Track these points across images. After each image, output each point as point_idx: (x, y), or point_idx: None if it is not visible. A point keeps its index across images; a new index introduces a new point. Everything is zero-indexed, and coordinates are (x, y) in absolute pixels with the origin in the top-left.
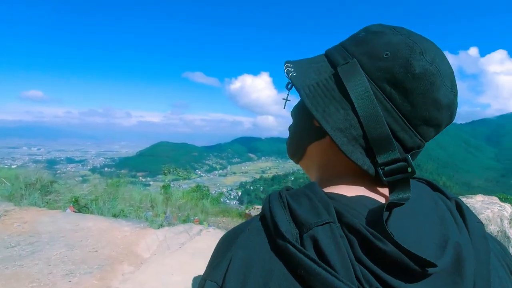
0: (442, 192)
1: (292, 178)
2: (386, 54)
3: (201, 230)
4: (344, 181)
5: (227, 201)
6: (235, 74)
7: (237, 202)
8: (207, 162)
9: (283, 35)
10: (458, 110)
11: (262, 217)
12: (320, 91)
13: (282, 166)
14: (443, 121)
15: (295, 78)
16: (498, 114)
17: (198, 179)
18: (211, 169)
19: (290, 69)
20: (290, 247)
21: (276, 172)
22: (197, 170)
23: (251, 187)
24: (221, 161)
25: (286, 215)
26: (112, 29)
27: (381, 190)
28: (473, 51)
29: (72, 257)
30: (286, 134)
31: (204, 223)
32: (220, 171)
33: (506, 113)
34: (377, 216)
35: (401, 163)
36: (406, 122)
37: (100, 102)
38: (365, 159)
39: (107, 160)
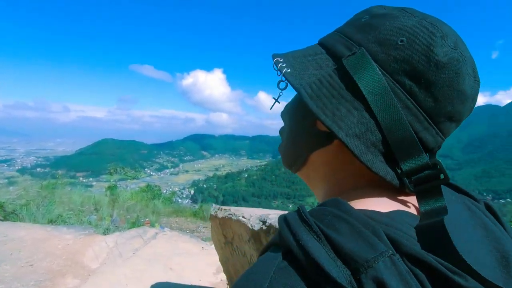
0: (468, 194)
1: (246, 175)
2: (402, 41)
3: (156, 233)
4: (364, 194)
5: (180, 200)
6: (188, 69)
7: (190, 201)
8: (157, 160)
9: (238, 31)
10: None
11: (286, 253)
12: (325, 90)
13: (235, 163)
14: (465, 114)
15: (291, 75)
16: None
17: (148, 178)
18: (162, 168)
19: (282, 64)
20: None
21: (229, 170)
22: (146, 169)
23: (205, 185)
24: (172, 159)
25: (327, 251)
26: (46, 6)
27: (406, 198)
28: None
29: (1, 275)
30: (239, 131)
31: (156, 224)
32: (172, 169)
33: None
34: (438, 239)
35: (431, 171)
36: (429, 120)
37: (31, 94)
38: (387, 168)
39: (39, 159)
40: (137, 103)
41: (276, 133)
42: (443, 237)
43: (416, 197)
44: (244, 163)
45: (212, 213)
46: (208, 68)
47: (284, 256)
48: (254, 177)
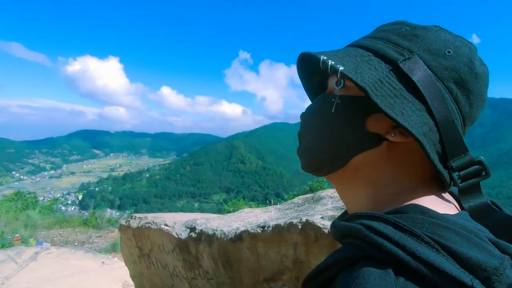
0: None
1: (147, 175)
2: (449, 52)
3: (37, 252)
4: (419, 194)
5: (63, 208)
6: (74, 53)
7: (78, 207)
8: (31, 161)
9: (136, 15)
10: (290, 112)
11: (397, 268)
12: (387, 89)
13: (135, 163)
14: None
15: (349, 72)
16: None
17: (17, 183)
18: (37, 170)
19: (331, 61)
20: None
21: (128, 170)
22: (14, 172)
23: (97, 188)
24: (53, 159)
25: (452, 263)
26: None
27: (448, 197)
28: None
29: None
30: (140, 128)
31: (31, 240)
32: (52, 171)
33: None
34: None
35: (477, 166)
36: (462, 123)
37: None
38: (441, 166)
39: None
40: (1, 89)
41: (182, 130)
42: None
43: (460, 193)
44: (145, 162)
45: (123, 222)
46: (101, 55)
47: (397, 272)
48: (157, 177)
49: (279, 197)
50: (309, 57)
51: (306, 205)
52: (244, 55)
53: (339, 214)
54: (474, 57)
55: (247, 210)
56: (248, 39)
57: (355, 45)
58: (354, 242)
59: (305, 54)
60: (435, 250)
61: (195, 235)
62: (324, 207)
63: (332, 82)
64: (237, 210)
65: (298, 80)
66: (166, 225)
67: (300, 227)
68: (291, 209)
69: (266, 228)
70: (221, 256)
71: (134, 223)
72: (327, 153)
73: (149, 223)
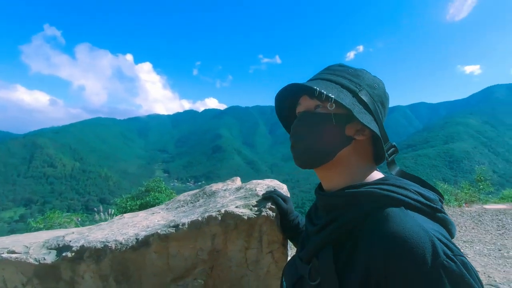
0: None
1: None
2: (376, 85)
3: None
4: (370, 170)
5: None
6: None
7: None
8: None
9: None
10: (117, 107)
11: (406, 208)
12: (357, 109)
13: None
14: None
15: (340, 99)
16: (146, 113)
17: None
18: None
19: (325, 92)
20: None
21: None
22: None
23: None
24: None
25: (425, 198)
26: None
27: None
28: (129, 57)
29: None
30: None
31: None
32: None
33: (152, 114)
34: (422, 184)
35: (393, 148)
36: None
37: None
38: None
39: None
40: None
41: None
42: (422, 182)
43: (388, 165)
44: None
45: None
46: None
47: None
48: None
49: (106, 203)
50: (291, 87)
51: (201, 200)
52: (52, 31)
53: (246, 202)
54: (384, 88)
55: (127, 215)
56: (60, 12)
57: (322, 78)
58: (368, 200)
59: (293, 84)
60: (415, 193)
61: (72, 254)
62: (226, 199)
63: (307, 103)
64: (53, 224)
65: (126, 72)
66: (12, 252)
67: (220, 218)
68: (184, 206)
69: (181, 226)
70: (115, 270)
71: None
72: (320, 153)
73: None
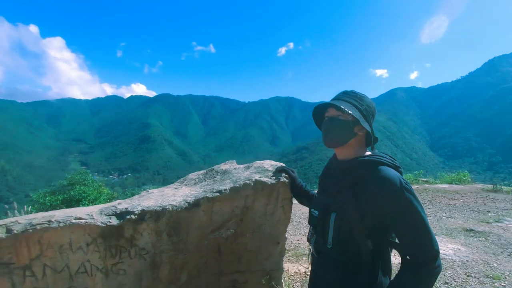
0: None
1: None
2: (370, 105)
3: None
4: (365, 150)
5: None
6: None
7: None
8: None
9: None
10: (18, 87)
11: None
12: (361, 119)
13: None
14: None
15: (355, 114)
16: (58, 97)
17: None
18: None
19: (347, 110)
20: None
21: None
22: None
23: None
24: None
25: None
26: None
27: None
28: (34, 28)
29: None
30: None
31: None
32: None
33: (65, 98)
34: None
35: (376, 139)
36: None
37: None
38: (373, 140)
39: None
40: None
41: None
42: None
43: (372, 147)
44: None
45: None
46: None
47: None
48: None
49: (3, 202)
50: (325, 103)
51: (218, 176)
52: None
53: (265, 174)
54: (374, 105)
55: (154, 190)
56: None
57: (342, 99)
58: (369, 162)
59: (328, 103)
60: (389, 159)
61: (135, 216)
62: (244, 173)
63: (334, 112)
64: None
65: (29, 46)
66: (79, 218)
67: (252, 184)
68: (202, 181)
69: (223, 191)
70: (169, 226)
71: (16, 227)
72: (340, 140)
73: (47, 222)
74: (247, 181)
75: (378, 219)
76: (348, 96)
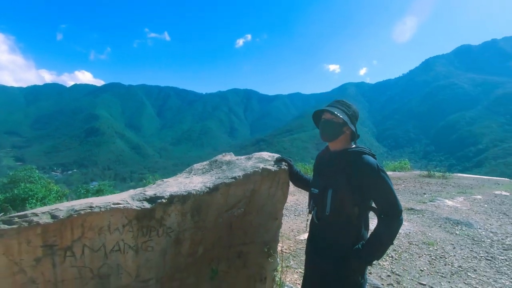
0: None
1: None
2: (355, 111)
3: None
4: (350, 144)
5: None
6: None
7: None
8: None
9: None
10: None
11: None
12: (349, 121)
13: None
14: None
15: (344, 118)
16: None
17: None
18: None
19: (337, 113)
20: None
21: None
22: None
23: None
24: None
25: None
26: None
27: None
28: None
29: None
30: None
31: None
32: None
33: None
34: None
35: (358, 136)
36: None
37: None
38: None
39: None
40: None
41: None
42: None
43: (355, 142)
44: None
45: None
46: None
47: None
48: None
49: None
50: (322, 109)
51: (224, 166)
52: None
53: (268, 163)
54: (358, 111)
55: (170, 179)
56: None
57: (335, 106)
58: (356, 152)
59: (325, 109)
60: (368, 149)
61: (165, 200)
62: (247, 163)
63: (329, 116)
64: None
65: None
66: (117, 203)
67: (260, 171)
68: (210, 171)
69: (237, 177)
70: (192, 208)
71: (45, 218)
72: (333, 136)
73: (89, 208)
74: (256, 169)
75: (363, 192)
76: (340, 104)
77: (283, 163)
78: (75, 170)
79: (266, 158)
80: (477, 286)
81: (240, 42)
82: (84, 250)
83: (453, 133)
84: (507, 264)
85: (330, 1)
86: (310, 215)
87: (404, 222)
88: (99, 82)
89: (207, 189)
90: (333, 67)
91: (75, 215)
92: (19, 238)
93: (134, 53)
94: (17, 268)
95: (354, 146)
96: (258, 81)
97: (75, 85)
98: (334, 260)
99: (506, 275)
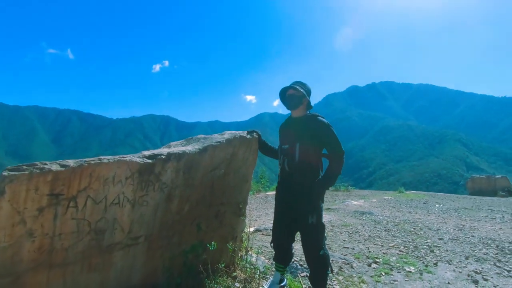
0: None
1: None
2: (309, 88)
3: None
4: (307, 111)
5: None
6: None
7: None
8: None
9: None
10: None
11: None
12: (306, 95)
13: None
14: None
15: (304, 91)
16: None
17: None
18: None
19: (299, 87)
20: None
21: None
22: None
23: None
24: None
25: None
26: None
27: None
28: None
29: None
30: None
31: None
32: None
33: None
34: None
35: (312, 106)
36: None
37: None
38: (310, 106)
39: None
40: None
41: None
42: None
43: (310, 109)
44: None
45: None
46: None
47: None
48: None
49: None
50: (286, 87)
51: (202, 139)
52: None
53: (242, 133)
54: (310, 87)
55: (172, 144)
56: None
57: (297, 83)
58: (314, 116)
59: (290, 86)
60: (321, 115)
61: (164, 156)
62: (224, 135)
63: (293, 91)
64: None
65: None
66: (123, 156)
67: (238, 138)
68: (192, 143)
69: (221, 142)
70: (184, 165)
71: (55, 166)
72: (296, 105)
73: (98, 159)
74: (236, 136)
75: (320, 142)
76: (299, 83)
77: (254, 133)
78: None
79: (237, 133)
80: (383, 244)
81: (157, 67)
82: (87, 202)
83: (350, 158)
84: (398, 232)
85: (247, 36)
86: (281, 166)
87: (325, 215)
88: None
89: (198, 150)
90: (250, 98)
91: (86, 165)
92: (29, 185)
93: (26, 69)
94: (19, 218)
95: (309, 112)
96: (177, 108)
97: None
98: (302, 190)
99: (398, 238)
